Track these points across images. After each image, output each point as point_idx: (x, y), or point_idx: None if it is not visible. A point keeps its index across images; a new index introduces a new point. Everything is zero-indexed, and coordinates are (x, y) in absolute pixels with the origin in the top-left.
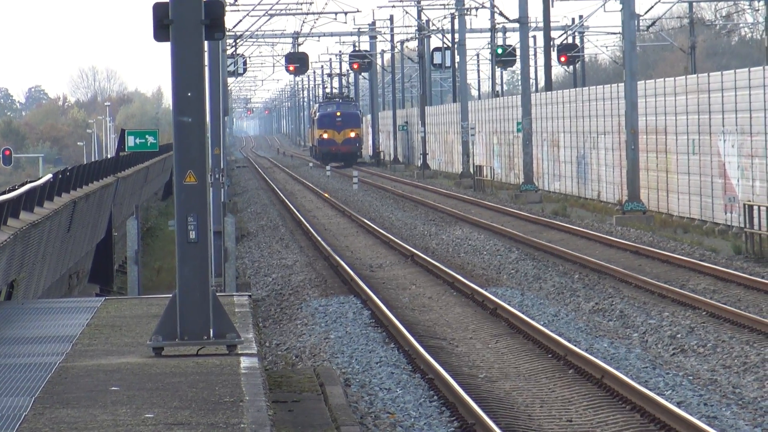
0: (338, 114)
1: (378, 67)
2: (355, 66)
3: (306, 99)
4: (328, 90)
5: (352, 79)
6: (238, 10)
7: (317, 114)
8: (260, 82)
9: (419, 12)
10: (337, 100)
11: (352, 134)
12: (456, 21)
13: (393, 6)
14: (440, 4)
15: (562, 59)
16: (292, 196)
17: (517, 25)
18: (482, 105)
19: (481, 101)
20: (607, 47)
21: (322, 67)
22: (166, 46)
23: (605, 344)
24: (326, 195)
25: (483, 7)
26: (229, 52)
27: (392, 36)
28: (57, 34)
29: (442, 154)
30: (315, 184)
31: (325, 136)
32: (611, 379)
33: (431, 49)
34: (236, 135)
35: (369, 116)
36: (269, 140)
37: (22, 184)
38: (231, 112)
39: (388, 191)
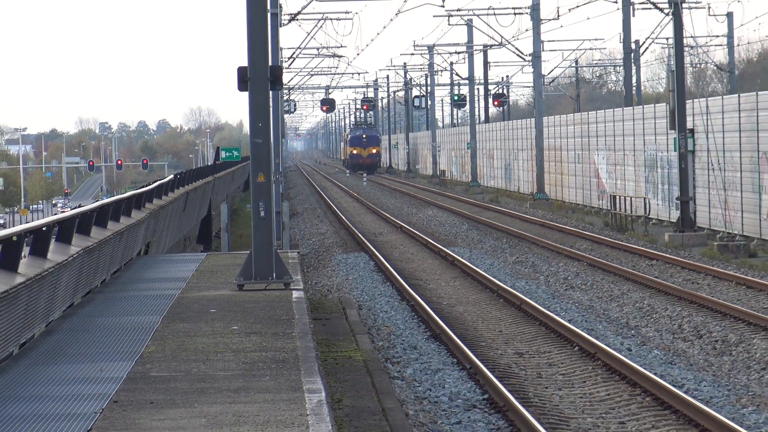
0: (364, 136)
1: (379, 107)
2: (365, 107)
3: (334, 128)
4: (356, 119)
5: (362, 115)
6: (291, 72)
7: (349, 136)
8: (304, 117)
9: (405, 73)
10: (364, 126)
11: (374, 150)
12: (428, 79)
13: (389, 69)
14: (419, 68)
15: (495, 103)
16: (325, 189)
17: (467, 81)
18: (445, 132)
19: (444, 129)
20: (523, 95)
21: (344, 107)
22: (245, 94)
23: (523, 283)
24: (365, 201)
25: (446, 70)
26: (285, 98)
27: (388, 88)
28: (177, 83)
29: (420, 163)
30: (339, 182)
31: (355, 151)
32: (527, 305)
33: (413, 96)
34: (289, 150)
35: None
36: (311, 154)
37: (154, 182)
38: (286, 136)
39: (385, 186)
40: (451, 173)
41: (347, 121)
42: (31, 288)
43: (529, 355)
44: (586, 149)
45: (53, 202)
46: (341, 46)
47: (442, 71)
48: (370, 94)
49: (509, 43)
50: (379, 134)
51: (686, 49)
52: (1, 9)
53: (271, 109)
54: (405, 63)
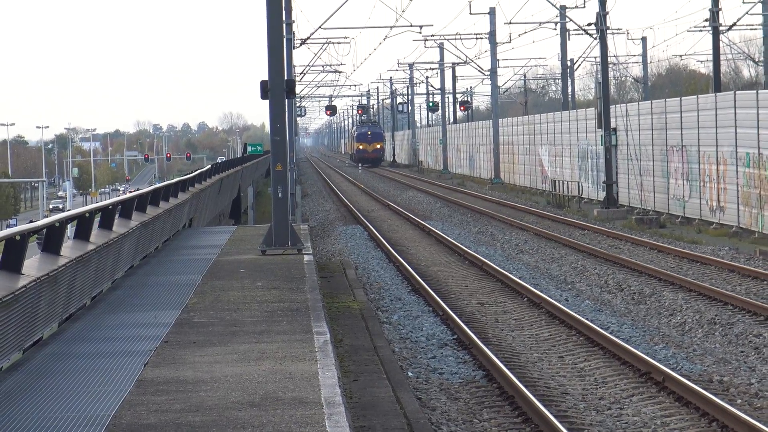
0: (369, 133)
1: (371, 112)
2: (360, 111)
3: (336, 128)
4: (361, 119)
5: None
6: (302, 84)
7: (356, 133)
8: (312, 119)
9: (391, 85)
10: (369, 124)
11: (378, 146)
12: (409, 89)
13: (378, 82)
14: (402, 81)
15: (462, 108)
16: (329, 177)
17: (439, 91)
18: (423, 131)
19: (422, 129)
20: (483, 102)
21: (344, 112)
22: (266, 102)
23: (483, 248)
24: (361, 186)
25: (422, 82)
26: (297, 104)
27: (378, 96)
28: (213, 92)
29: (404, 155)
30: (341, 170)
31: (361, 147)
32: (487, 266)
33: (397, 103)
34: (300, 146)
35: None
36: (318, 149)
37: (196, 171)
38: (298, 134)
39: (376, 173)
40: (427, 163)
41: (347, 123)
42: (100, 253)
43: (488, 305)
44: (533, 144)
45: (112, 187)
46: (341, 64)
47: (420, 83)
48: (364, 102)
49: (472, 61)
50: (382, 131)
51: (610, 65)
52: (71, 31)
53: (286, 113)
54: (391, 77)
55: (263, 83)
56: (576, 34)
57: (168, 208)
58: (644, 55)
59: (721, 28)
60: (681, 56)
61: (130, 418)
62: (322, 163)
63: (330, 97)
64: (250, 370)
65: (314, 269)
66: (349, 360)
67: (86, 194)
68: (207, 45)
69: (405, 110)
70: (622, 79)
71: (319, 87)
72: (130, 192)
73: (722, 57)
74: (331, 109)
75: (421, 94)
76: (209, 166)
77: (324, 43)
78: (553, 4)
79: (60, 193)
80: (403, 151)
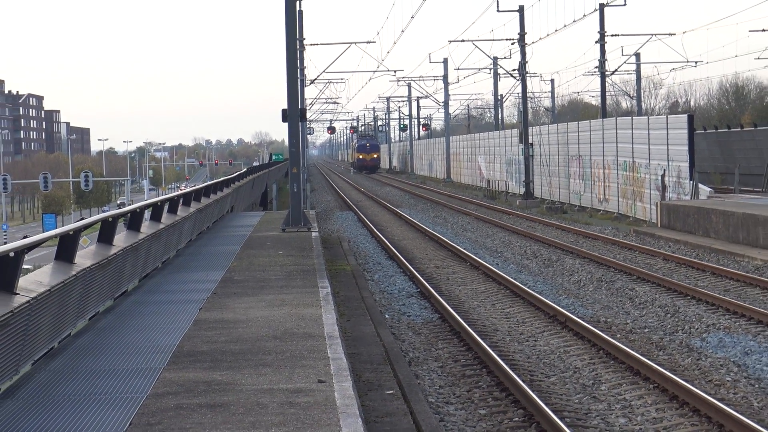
0: (368, 144)
1: (359, 131)
2: (352, 131)
3: (336, 143)
4: (359, 132)
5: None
6: (311, 111)
7: (356, 144)
8: (318, 136)
9: (374, 112)
10: (368, 136)
11: (375, 155)
12: (387, 115)
13: (365, 110)
14: (381, 110)
15: (424, 129)
16: (330, 178)
17: (408, 116)
18: (396, 145)
19: (395, 144)
20: (439, 125)
21: (341, 131)
22: (286, 124)
23: (439, 228)
24: (352, 183)
25: (396, 111)
26: (307, 125)
27: (364, 120)
28: (248, 116)
29: (384, 162)
30: (338, 173)
31: (361, 156)
32: (441, 240)
33: (378, 125)
34: (309, 156)
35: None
36: (322, 158)
37: (235, 172)
38: (307, 147)
39: (363, 175)
40: (400, 167)
41: (343, 139)
42: (168, 231)
43: (442, 268)
44: (474, 154)
45: (176, 184)
46: (338, 97)
47: (394, 111)
48: (354, 124)
49: (432, 95)
50: (378, 143)
51: (528, 98)
52: (149, 71)
53: (299, 132)
54: (374, 107)
55: (283, 111)
56: (504, 77)
57: (216, 199)
58: (552, 91)
59: (606, 73)
60: (578, 93)
61: (190, 347)
62: (325, 168)
63: (330, 120)
64: (274, 313)
65: (319, 242)
66: (344, 306)
67: (158, 188)
68: (243, 83)
69: (384, 130)
70: (537, 108)
71: (323, 114)
72: (191, 187)
73: (607, 93)
74: (332, 130)
75: (395, 118)
76: (245, 169)
77: (326, 82)
78: (488, 56)
79: (121, 200)
80: (385, 159)
